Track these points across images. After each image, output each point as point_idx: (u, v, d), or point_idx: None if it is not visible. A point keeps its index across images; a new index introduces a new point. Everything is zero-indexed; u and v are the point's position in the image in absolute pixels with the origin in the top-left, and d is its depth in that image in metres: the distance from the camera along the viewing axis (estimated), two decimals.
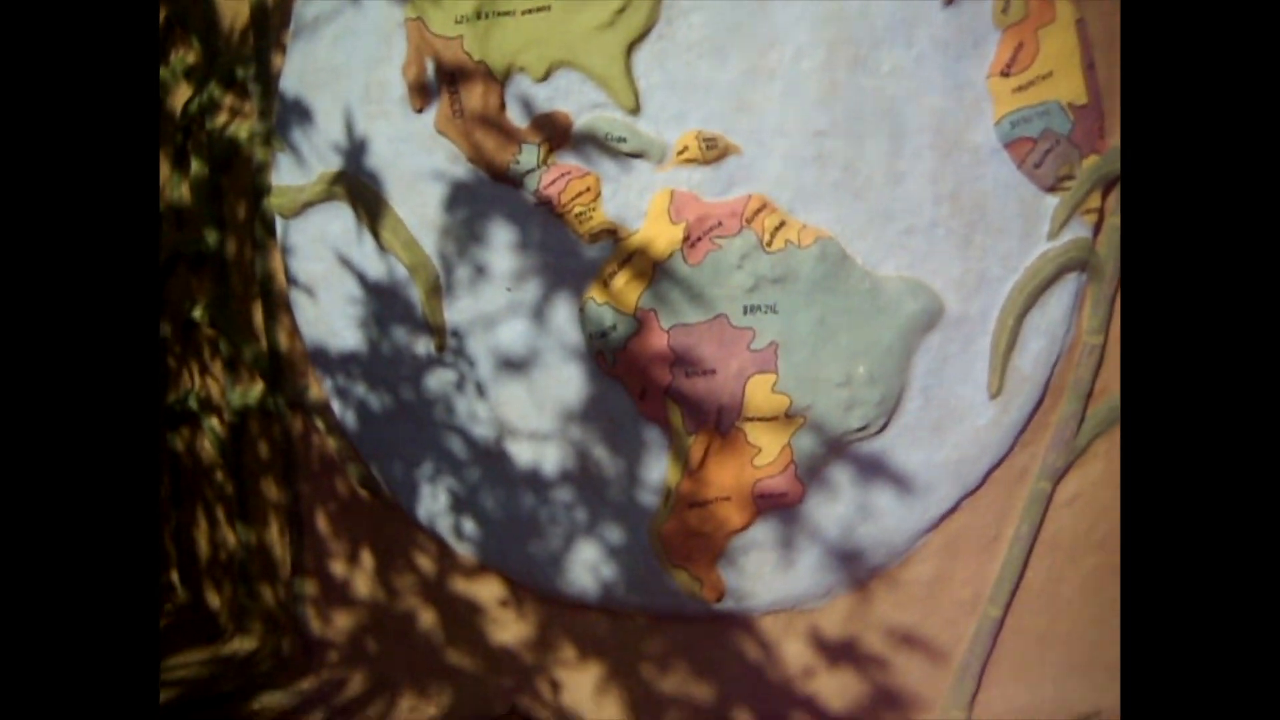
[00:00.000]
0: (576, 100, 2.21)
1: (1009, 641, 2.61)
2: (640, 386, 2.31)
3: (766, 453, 2.34)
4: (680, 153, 2.18)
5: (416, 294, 2.40)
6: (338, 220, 2.47)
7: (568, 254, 2.26)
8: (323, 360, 2.66)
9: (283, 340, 2.75)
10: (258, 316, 2.77)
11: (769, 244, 2.20)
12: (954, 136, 2.19)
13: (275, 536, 3.01)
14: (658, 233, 2.22)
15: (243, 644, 3.14)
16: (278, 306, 2.72)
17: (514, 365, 2.37)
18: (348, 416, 2.67)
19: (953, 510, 2.47)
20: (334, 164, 2.43)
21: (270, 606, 3.10)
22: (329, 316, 2.58)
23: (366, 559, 2.85)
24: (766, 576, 2.47)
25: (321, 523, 2.89)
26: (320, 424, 2.74)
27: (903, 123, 2.16)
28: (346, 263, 2.49)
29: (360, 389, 2.60)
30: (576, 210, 2.22)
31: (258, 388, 2.85)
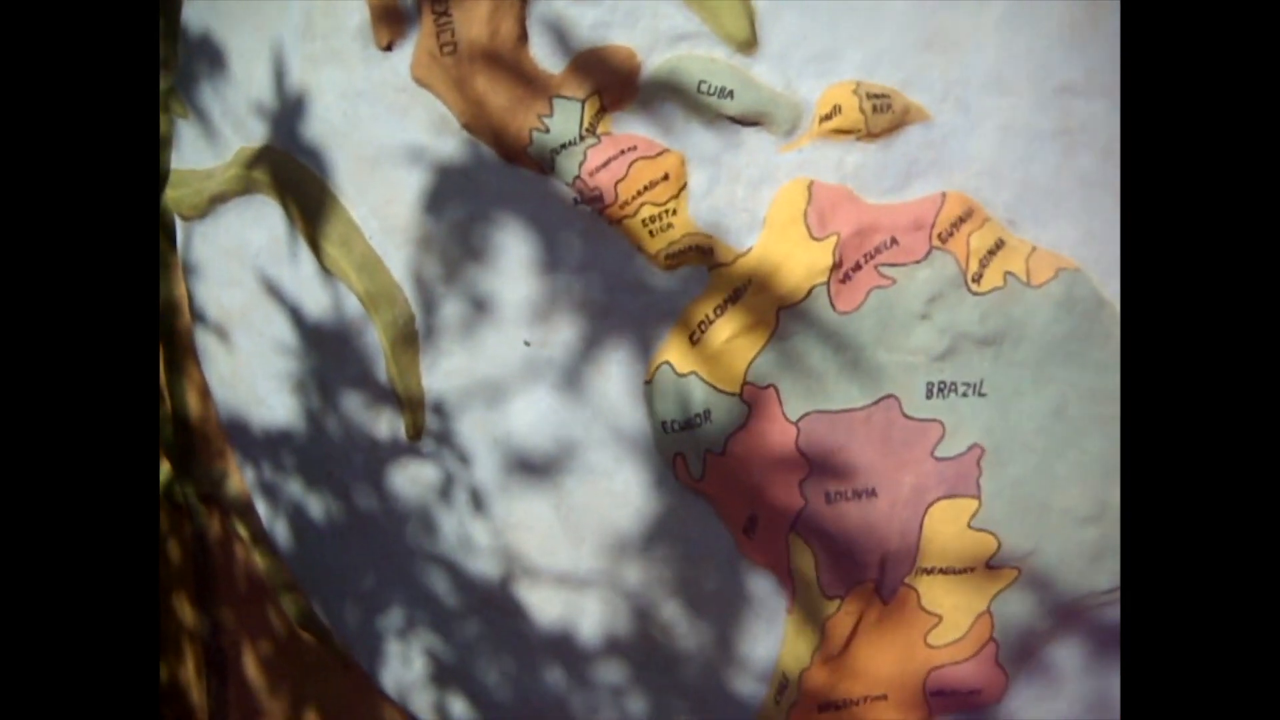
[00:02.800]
0: (647, 26, 1.70)
1: None
2: (747, 511, 1.74)
3: (951, 624, 1.75)
4: (826, 118, 1.66)
5: (379, 343, 1.83)
6: (261, 224, 1.93)
7: (629, 286, 1.74)
8: (242, 437, 2.07)
9: (192, 403, 2.18)
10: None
11: (977, 278, 1.68)
12: None
13: (191, 676, 2.47)
14: (786, 254, 1.68)
15: None
16: (183, 353, 2.16)
17: (533, 466, 1.81)
18: (279, 526, 2.07)
19: None
20: (257, 136, 1.90)
21: None
22: (249, 373, 2.01)
23: None
24: None
25: (250, 667, 2.34)
26: (242, 531, 2.16)
27: None
28: (274, 291, 1.92)
29: (295, 486, 2.01)
30: (646, 213, 1.69)
31: (163, 468, 2.33)
